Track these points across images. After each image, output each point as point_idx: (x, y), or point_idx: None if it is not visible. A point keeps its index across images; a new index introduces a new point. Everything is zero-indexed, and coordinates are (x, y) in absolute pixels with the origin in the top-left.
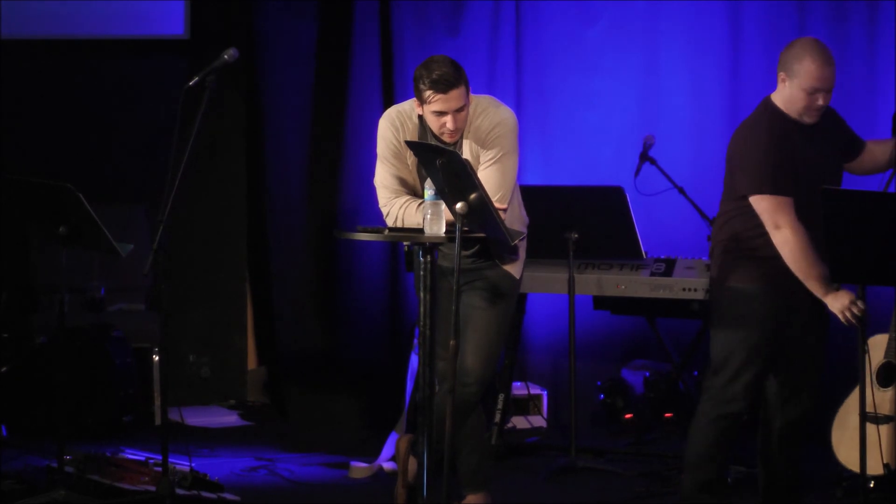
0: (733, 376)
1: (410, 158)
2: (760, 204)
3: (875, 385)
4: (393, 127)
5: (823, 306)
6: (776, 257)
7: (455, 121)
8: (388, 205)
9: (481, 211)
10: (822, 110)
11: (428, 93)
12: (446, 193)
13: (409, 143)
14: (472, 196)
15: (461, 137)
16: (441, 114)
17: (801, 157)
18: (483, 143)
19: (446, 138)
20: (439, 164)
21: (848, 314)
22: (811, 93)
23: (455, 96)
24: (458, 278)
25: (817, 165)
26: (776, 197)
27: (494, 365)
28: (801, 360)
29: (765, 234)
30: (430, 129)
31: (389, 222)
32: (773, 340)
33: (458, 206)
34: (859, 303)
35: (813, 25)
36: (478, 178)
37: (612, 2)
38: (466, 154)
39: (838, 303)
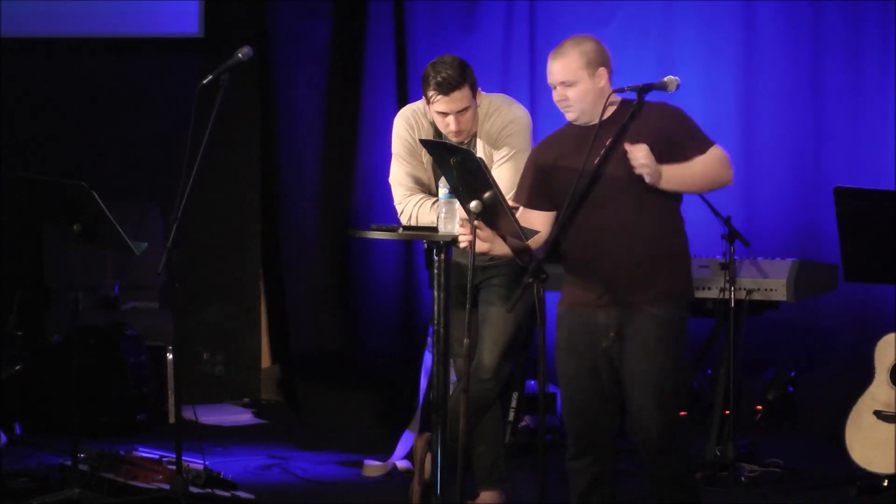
0: None
1: (425, 156)
2: None
3: (888, 383)
4: (408, 125)
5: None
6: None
7: (458, 122)
8: (403, 203)
9: (495, 209)
10: (564, 107)
11: (431, 93)
12: (460, 192)
13: (424, 142)
14: (486, 194)
15: (475, 136)
16: (444, 114)
17: (562, 164)
18: (496, 142)
19: (452, 138)
20: (453, 162)
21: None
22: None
23: (457, 98)
24: (472, 276)
25: (589, 172)
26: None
27: (511, 362)
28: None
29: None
30: None
31: (404, 220)
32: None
33: (472, 204)
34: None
35: (828, 25)
36: (492, 177)
37: (626, 1)
38: (480, 152)
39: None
